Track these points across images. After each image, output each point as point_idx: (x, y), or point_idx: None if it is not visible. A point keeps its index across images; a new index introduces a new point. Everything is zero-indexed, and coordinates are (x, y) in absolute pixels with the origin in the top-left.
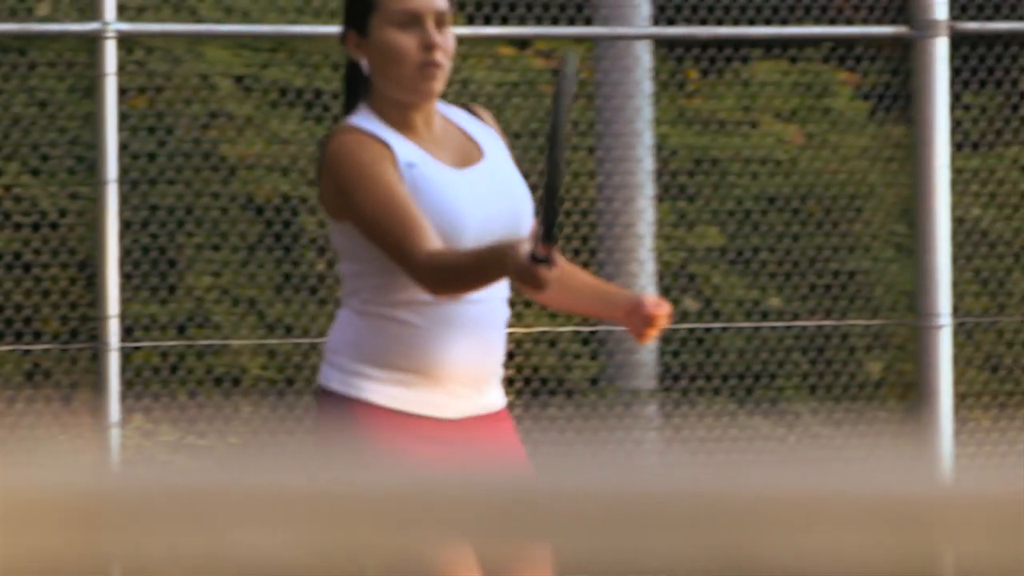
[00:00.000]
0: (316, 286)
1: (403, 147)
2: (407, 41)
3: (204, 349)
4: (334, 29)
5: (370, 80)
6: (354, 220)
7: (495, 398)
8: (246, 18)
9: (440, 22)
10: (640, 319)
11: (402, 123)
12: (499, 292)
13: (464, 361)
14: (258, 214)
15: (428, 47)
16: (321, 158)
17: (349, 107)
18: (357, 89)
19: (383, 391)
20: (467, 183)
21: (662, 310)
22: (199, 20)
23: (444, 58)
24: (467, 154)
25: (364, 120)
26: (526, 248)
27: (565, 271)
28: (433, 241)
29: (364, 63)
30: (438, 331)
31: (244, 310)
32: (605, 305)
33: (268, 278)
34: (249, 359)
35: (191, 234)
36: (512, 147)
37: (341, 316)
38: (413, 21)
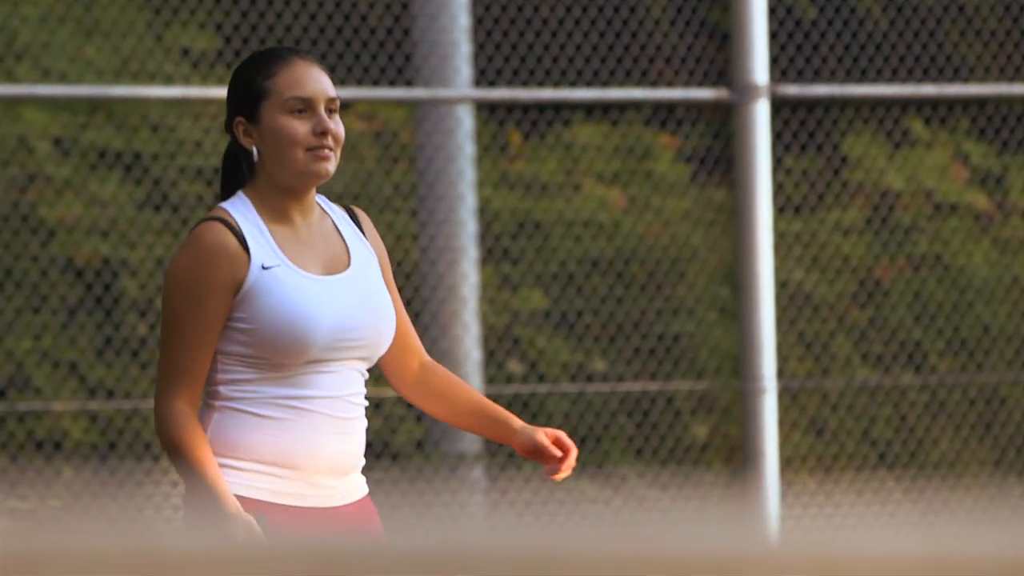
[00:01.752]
0: (137, 349)
1: (262, 249)
2: (299, 127)
3: (25, 413)
4: (152, 91)
5: (256, 166)
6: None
7: (357, 486)
8: (64, 79)
9: (331, 108)
10: (550, 456)
11: (279, 214)
12: (356, 386)
13: (325, 453)
14: (78, 277)
15: (322, 132)
16: (188, 236)
17: (225, 191)
18: (236, 175)
19: (245, 482)
20: (324, 291)
21: (570, 444)
22: (15, 81)
23: (335, 143)
24: (333, 260)
25: (238, 208)
26: (236, 528)
27: (446, 382)
28: (189, 401)
29: (253, 150)
30: (299, 424)
31: (65, 373)
32: (494, 428)
33: (89, 341)
34: (71, 423)
35: (11, 297)
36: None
37: (202, 411)
38: (306, 107)
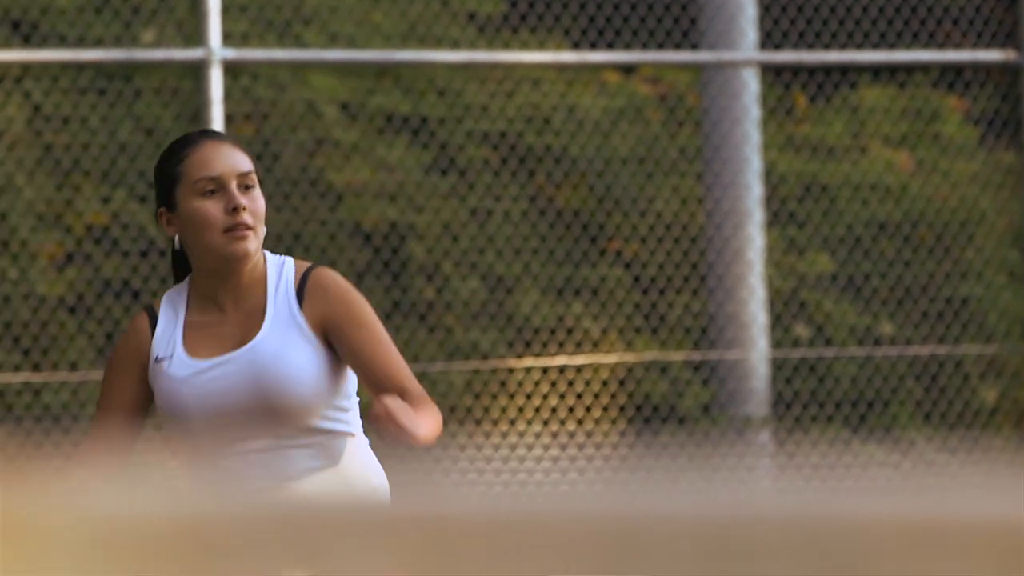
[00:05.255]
0: (425, 313)
1: (165, 339)
2: (212, 208)
3: None
4: (439, 55)
5: (188, 255)
6: None
7: None
8: (351, 44)
9: (244, 184)
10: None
11: (207, 299)
12: (303, 453)
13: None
14: (366, 241)
15: (234, 209)
16: None
17: (177, 278)
18: (182, 263)
19: None
20: (205, 376)
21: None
22: (304, 46)
23: (253, 219)
24: (237, 342)
25: (173, 294)
26: None
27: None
28: (101, 436)
29: (176, 238)
30: (220, 478)
31: None
32: None
33: (377, 305)
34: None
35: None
36: (355, 319)
37: None
38: (216, 187)
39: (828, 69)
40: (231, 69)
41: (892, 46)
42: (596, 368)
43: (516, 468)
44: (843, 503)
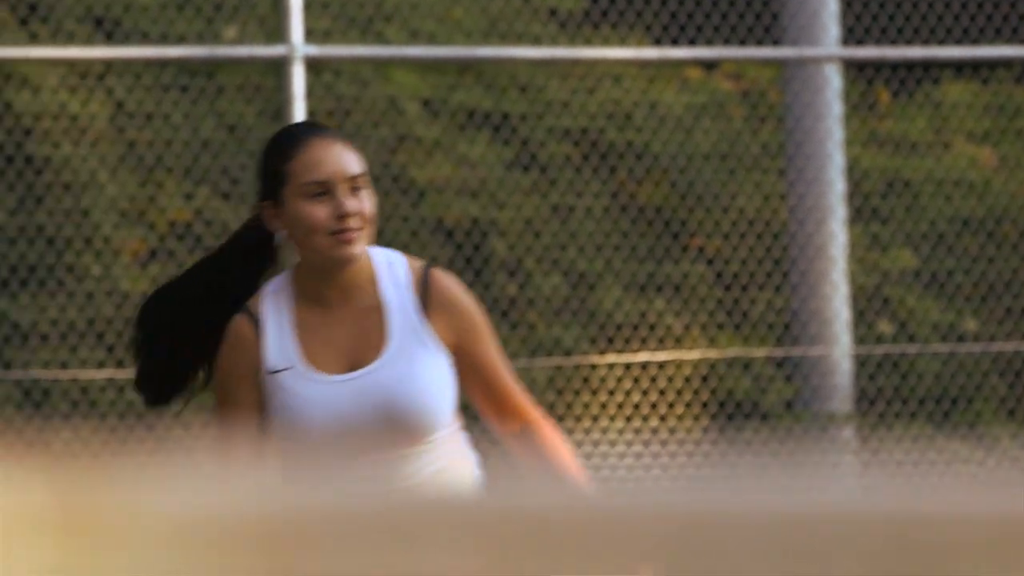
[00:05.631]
0: (507, 309)
1: (279, 347)
2: (319, 211)
3: None
4: (521, 52)
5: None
6: None
7: None
8: (432, 41)
9: (354, 186)
10: None
11: (314, 296)
12: (424, 459)
13: None
14: (448, 237)
15: (341, 216)
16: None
17: (252, 274)
18: (264, 255)
19: None
20: (330, 393)
21: None
22: (386, 43)
23: (362, 223)
24: (363, 353)
25: (276, 290)
26: None
27: (544, 456)
28: (238, 443)
29: (282, 234)
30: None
31: None
32: None
33: None
34: None
35: None
36: (470, 322)
37: None
38: (325, 190)
39: (911, 65)
40: (313, 66)
41: (975, 42)
42: (679, 364)
43: (599, 465)
44: (927, 500)
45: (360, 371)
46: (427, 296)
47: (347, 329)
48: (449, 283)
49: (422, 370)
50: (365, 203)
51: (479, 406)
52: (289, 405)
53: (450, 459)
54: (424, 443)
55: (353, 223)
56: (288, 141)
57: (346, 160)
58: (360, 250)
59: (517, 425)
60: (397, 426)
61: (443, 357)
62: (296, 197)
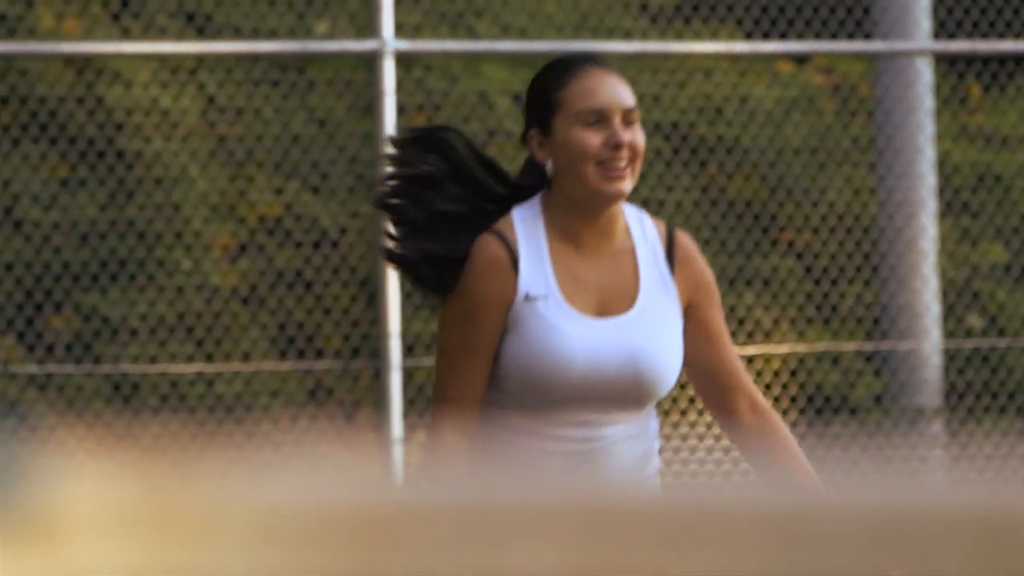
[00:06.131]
0: None
1: (534, 273)
2: (592, 139)
3: None
4: (611, 45)
5: (553, 182)
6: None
7: None
8: (523, 35)
9: (628, 119)
10: None
11: (568, 234)
12: (622, 432)
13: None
14: None
15: (615, 145)
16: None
17: (517, 195)
18: (535, 185)
19: None
20: (586, 336)
21: None
22: (476, 38)
23: (632, 156)
24: (613, 299)
25: (526, 218)
26: None
27: (779, 448)
28: (460, 431)
29: (548, 165)
30: (555, 466)
31: None
32: None
33: None
34: None
35: None
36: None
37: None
38: (599, 119)
39: (1002, 58)
40: (404, 60)
41: None
42: (768, 358)
43: (687, 459)
44: (1016, 495)
45: (615, 317)
46: (672, 250)
47: (599, 273)
48: (692, 242)
49: (669, 326)
50: (639, 137)
51: (699, 383)
52: (545, 337)
53: (652, 443)
54: (646, 411)
55: (624, 155)
56: (563, 69)
57: (621, 91)
58: (628, 188)
59: (744, 402)
60: (640, 382)
61: (681, 317)
62: (569, 125)
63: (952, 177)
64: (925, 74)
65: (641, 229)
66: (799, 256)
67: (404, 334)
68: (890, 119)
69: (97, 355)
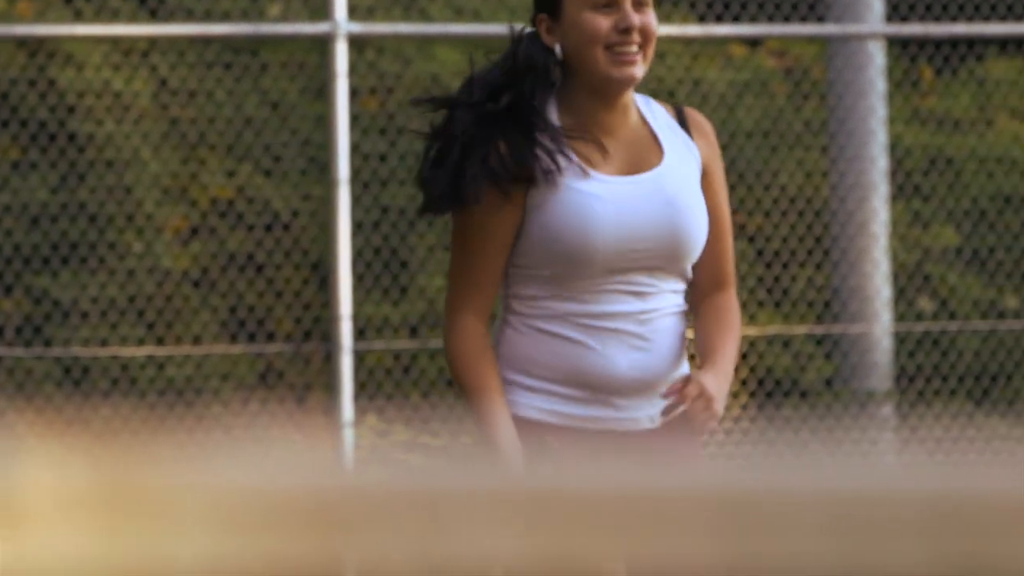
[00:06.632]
0: None
1: (554, 153)
2: (602, 22)
3: (437, 350)
4: None
5: (562, 67)
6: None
7: (662, 407)
8: (476, 18)
9: (639, 2)
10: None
11: (578, 113)
12: (660, 300)
13: (620, 371)
14: None
15: (626, 29)
16: None
17: (524, 92)
18: (540, 75)
19: (534, 404)
20: (618, 190)
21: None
22: (429, 20)
23: (643, 41)
24: (640, 159)
25: (540, 102)
26: (510, 463)
27: (710, 320)
28: (478, 315)
29: (557, 48)
30: (591, 342)
31: None
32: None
33: None
34: None
35: (423, 235)
36: (727, 157)
37: (495, 325)
38: (609, 3)
39: (955, 42)
40: (357, 43)
41: (1019, 18)
42: None
43: None
44: (966, 478)
45: (645, 173)
46: (684, 123)
47: (620, 142)
48: (703, 116)
49: (695, 183)
50: (651, 20)
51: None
52: (578, 203)
53: (686, 325)
54: (685, 280)
55: (635, 39)
56: None
57: None
58: (639, 73)
59: (713, 291)
60: (677, 234)
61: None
62: (578, 8)
63: (904, 160)
64: (877, 57)
65: (648, 108)
66: (751, 239)
67: (355, 317)
68: (842, 102)
69: (47, 338)
